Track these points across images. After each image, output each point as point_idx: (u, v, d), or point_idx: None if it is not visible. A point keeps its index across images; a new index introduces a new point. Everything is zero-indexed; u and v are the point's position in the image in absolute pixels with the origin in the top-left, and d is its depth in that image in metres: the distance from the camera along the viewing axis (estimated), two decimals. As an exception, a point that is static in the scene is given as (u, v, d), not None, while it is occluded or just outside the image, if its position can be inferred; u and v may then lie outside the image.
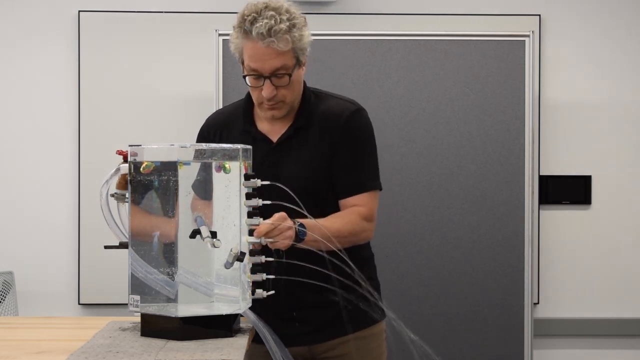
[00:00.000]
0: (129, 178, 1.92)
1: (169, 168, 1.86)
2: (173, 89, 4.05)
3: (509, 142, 3.78)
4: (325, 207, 2.26)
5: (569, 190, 4.15)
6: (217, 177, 1.89)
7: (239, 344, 1.83)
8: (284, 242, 1.99)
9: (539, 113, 4.09)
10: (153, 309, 1.90)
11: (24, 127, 4.10)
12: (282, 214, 2.01)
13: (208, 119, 2.44)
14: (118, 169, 2.00)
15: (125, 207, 1.99)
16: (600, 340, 4.18)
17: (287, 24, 2.15)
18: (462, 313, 3.76)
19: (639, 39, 4.18)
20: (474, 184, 3.78)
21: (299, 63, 2.23)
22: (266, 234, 1.95)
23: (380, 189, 2.34)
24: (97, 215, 2.06)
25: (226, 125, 2.36)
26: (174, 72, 4.05)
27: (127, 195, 1.96)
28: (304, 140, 2.28)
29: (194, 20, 4.06)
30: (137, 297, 1.90)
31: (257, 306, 1.98)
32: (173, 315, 1.87)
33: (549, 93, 4.14)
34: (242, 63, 2.23)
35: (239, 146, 1.92)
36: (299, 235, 2.05)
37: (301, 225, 2.06)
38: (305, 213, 2.18)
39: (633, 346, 4.19)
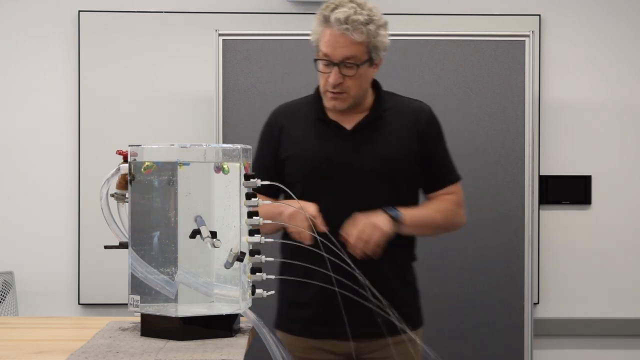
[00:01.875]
0: (129, 178, 1.92)
1: (169, 168, 1.87)
2: (173, 89, 4.04)
3: (509, 142, 3.77)
4: (400, 195, 2.37)
5: (569, 190, 4.15)
6: (217, 178, 1.89)
7: (239, 344, 1.83)
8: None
9: (539, 113, 4.08)
10: (153, 309, 1.90)
11: (24, 127, 4.10)
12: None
13: (274, 110, 2.50)
14: (118, 169, 1.99)
15: (125, 207, 1.99)
16: (600, 340, 4.18)
17: (366, 17, 2.25)
18: (462, 313, 3.76)
19: (639, 39, 4.18)
20: (474, 184, 3.77)
21: (370, 60, 2.30)
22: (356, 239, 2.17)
23: (461, 179, 2.50)
24: (97, 215, 2.06)
25: (295, 114, 2.45)
26: (174, 72, 4.05)
27: (127, 195, 1.96)
28: (379, 130, 2.37)
29: (194, 20, 4.06)
30: (137, 297, 1.90)
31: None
32: (173, 315, 1.87)
33: (549, 93, 4.14)
34: (318, 52, 2.31)
35: (238, 146, 1.92)
36: (396, 218, 2.24)
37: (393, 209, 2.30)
38: (306, 214, 2.18)
39: (633, 346, 4.18)
